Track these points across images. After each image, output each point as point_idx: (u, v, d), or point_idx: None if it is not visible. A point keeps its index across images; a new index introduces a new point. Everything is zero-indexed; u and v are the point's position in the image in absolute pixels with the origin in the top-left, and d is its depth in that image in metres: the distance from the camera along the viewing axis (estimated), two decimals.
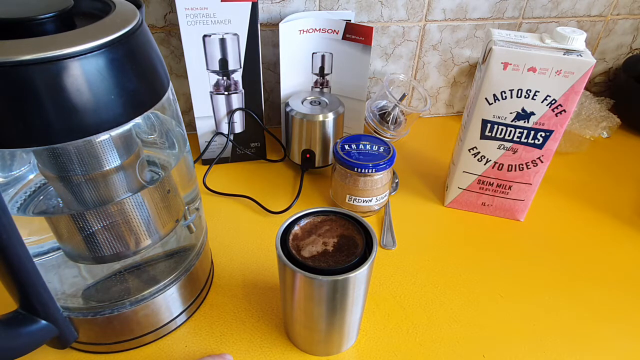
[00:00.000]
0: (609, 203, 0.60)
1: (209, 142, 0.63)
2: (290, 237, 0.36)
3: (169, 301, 0.40)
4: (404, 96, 0.71)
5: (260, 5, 0.62)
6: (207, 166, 0.64)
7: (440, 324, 0.43)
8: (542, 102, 0.46)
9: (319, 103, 0.61)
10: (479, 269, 0.49)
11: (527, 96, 0.46)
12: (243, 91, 0.60)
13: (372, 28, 0.58)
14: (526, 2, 0.70)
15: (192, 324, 0.43)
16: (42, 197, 0.34)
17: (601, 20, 0.75)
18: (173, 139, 0.39)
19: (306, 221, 0.37)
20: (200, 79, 0.57)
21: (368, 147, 0.54)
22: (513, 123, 0.49)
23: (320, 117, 0.58)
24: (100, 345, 0.39)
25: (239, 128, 0.63)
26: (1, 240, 0.26)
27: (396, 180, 0.62)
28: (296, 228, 0.37)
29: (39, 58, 0.23)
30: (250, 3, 0.53)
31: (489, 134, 0.50)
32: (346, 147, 0.53)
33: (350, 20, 0.60)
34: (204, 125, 0.62)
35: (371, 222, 0.37)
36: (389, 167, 0.52)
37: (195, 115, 0.61)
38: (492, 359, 0.40)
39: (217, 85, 0.58)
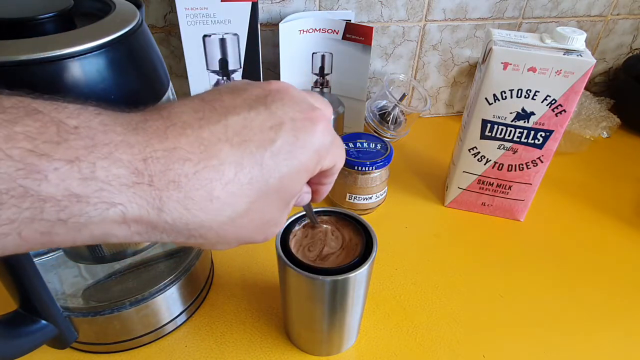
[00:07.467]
0: (609, 203, 0.60)
1: None
2: (291, 237, 0.36)
3: (168, 301, 0.40)
4: (404, 96, 0.71)
5: (260, 5, 0.62)
6: None
7: (440, 324, 0.43)
8: (542, 102, 0.46)
9: None
10: (479, 269, 0.49)
11: (527, 96, 0.46)
12: None
13: (372, 28, 0.58)
14: (526, 2, 0.70)
15: (192, 324, 0.43)
16: None
17: (601, 20, 0.75)
18: None
19: (307, 221, 0.37)
20: (200, 79, 0.57)
21: (365, 144, 0.54)
22: (513, 123, 0.49)
23: None
24: (100, 345, 0.39)
25: None
26: None
27: None
28: (296, 228, 0.37)
29: (39, 58, 0.23)
30: (250, 3, 0.53)
31: (489, 134, 0.50)
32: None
33: (350, 20, 0.60)
34: None
35: (370, 220, 0.37)
36: (387, 163, 0.52)
37: None
38: (492, 359, 0.40)
39: (217, 85, 0.58)
